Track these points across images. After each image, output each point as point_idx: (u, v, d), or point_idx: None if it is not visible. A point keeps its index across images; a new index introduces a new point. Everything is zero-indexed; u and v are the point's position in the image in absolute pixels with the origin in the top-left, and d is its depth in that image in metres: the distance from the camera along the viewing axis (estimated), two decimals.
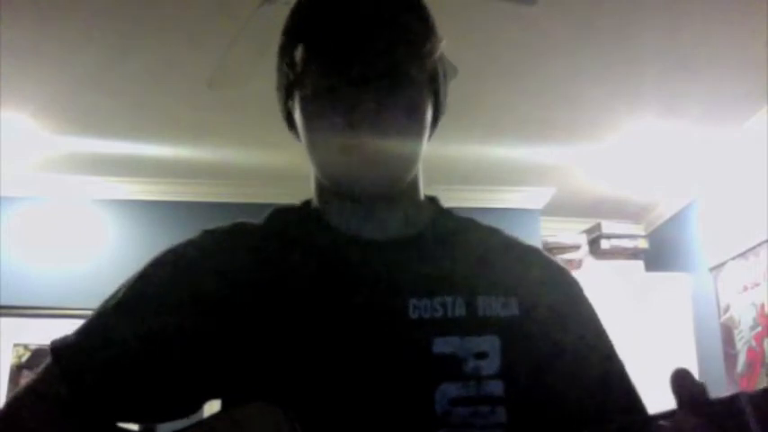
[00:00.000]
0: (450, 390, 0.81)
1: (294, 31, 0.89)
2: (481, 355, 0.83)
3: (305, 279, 0.87)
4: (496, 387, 0.83)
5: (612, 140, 3.71)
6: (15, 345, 3.88)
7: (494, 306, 0.87)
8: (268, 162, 3.90)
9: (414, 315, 0.84)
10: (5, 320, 3.84)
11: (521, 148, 3.80)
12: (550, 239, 4.28)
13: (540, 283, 0.92)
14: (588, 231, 4.39)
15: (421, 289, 0.86)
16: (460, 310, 0.85)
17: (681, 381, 0.59)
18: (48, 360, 0.86)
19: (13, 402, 0.85)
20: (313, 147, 0.89)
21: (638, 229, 4.55)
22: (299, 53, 0.86)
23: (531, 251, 0.97)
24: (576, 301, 0.93)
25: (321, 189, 0.94)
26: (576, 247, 4.30)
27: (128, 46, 2.93)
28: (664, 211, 4.48)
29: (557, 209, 4.38)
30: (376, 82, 0.83)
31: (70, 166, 4.02)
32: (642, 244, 4.37)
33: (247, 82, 2.58)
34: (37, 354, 3.81)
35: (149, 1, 2.66)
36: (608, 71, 3.10)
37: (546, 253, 0.99)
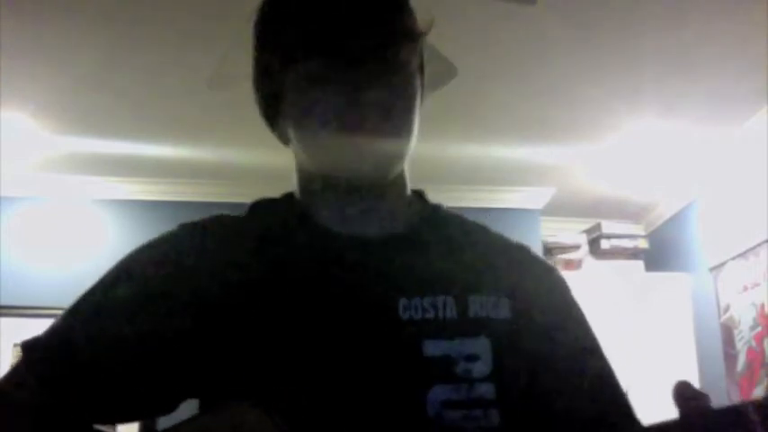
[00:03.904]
0: (442, 392, 0.80)
1: (283, 15, 0.89)
2: (472, 358, 0.82)
3: (291, 277, 0.84)
4: (488, 390, 0.81)
5: (612, 140, 3.71)
6: (15, 345, 3.87)
7: (485, 307, 0.86)
8: (268, 162, 3.87)
9: (404, 316, 0.83)
10: (5, 320, 3.83)
11: (521, 148, 3.80)
12: (550, 239, 4.27)
13: (530, 282, 0.91)
14: (588, 231, 4.38)
15: (411, 288, 0.84)
16: (451, 312, 0.84)
17: (682, 392, 0.58)
18: (18, 359, 0.82)
19: None
20: (310, 132, 0.87)
21: (638, 229, 4.55)
22: (291, 36, 0.86)
23: (519, 249, 0.96)
24: (565, 302, 0.93)
25: (308, 184, 0.92)
26: (576, 247, 4.30)
27: (128, 46, 2.93)
28: (664, 211, 4.48)
29: (557, 209, 4.38)
30: (375, 61, 0.84)
31: (70, 166, 4.02)
32: (642, 244, 4.37)
33: (247, 82, 2.58)
34: None
35: (149, 1, 2.66)
36: (608, 71, 3.09)
37: (533, 251, 0.98)
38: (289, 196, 0.95)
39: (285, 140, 0.94)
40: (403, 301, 0.83)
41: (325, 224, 0.89)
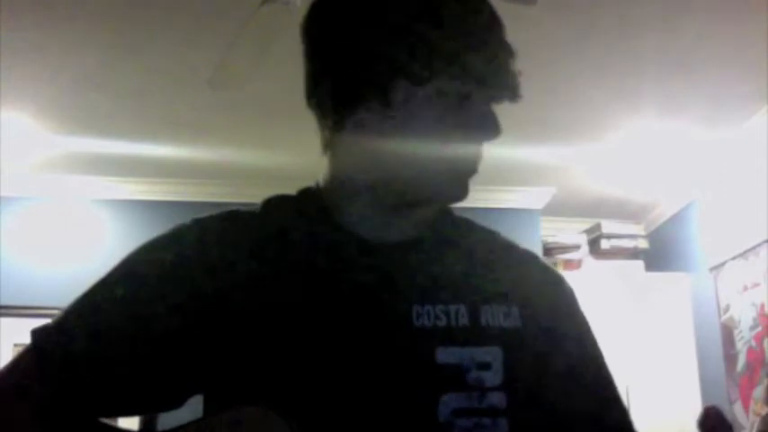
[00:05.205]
0: (454, 400, 0.80)
1: (462, 30, 0.90)
2: (484, 366, 0.82)
3: (306, 278, 0.84)
4: (499, 399, 0.82)
5: (612, 140, 3.71)
6: (15, 345, 3.87)
7: (496, 316, 0.86)
8: (268, 162, 3.90)
9: (418, 323, 0.83)
10: (5, 320, 3.84)
11: (521, 148, 3.80)
12: (550, 239, 4.28)
13: (540, 291, 0.91)
14: (588, 231, 4.39)
15: (424, 295, 0.84)
16: (464, 320, 0.84)
17: (705, 421, 0.60)
18: (26, 346, 0.81)
19: None
20: (429, 147, 0.85)
21: (638, 229, 4.55)
22: (473, 50, 0.89)
23: (529, 257, 0.96)
24: (574, 312, 0.93)
25: (348, 190, 0.89)
26: (576, 247, 4.30)
27: (128, 46, 2.93)
28: (664, 211, 4.48)
29: (557, 209, 4.38)
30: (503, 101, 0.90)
31: (70, 166, 4.02)
32: (642, 244, 4.37)
33: (247, 82, 2.58)
34: None
35: (149, 1, 2.66)
36: (608, 71, 3.10)
37: (543, 259, 0.99)
38: (306, 194, 0.93)
39: (333, 143, 0.89)
40: (416, 309, 0.83)
41: (346, 226, 0.88)
